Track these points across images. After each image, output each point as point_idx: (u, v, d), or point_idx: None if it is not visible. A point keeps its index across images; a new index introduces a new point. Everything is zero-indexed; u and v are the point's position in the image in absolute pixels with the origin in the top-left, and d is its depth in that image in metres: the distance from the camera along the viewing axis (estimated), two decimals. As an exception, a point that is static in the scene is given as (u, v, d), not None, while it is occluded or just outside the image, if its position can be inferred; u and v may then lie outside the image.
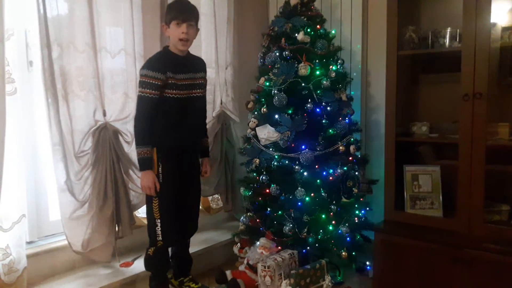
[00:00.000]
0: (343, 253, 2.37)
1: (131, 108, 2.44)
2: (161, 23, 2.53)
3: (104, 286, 2.19)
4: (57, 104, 2.17)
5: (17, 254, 2.06)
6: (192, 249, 2.41)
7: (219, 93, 2.96)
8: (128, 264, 2.41)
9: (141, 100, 2.11)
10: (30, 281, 2.14)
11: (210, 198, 3.08)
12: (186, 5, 2.18)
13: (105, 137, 2.32)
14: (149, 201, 2.22)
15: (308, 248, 2.46)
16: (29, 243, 2.25)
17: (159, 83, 2.10)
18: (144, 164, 2.14)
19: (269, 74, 2.51)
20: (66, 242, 2.24)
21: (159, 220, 2.18)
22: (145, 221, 2.32)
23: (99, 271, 2.33)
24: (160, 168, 2.17)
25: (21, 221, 2.08)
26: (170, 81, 2.13)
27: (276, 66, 2.46)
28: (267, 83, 2.50)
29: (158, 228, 2.18)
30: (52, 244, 2.30)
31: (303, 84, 2.43)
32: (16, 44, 2.13)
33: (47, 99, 2.15)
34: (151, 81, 2.09)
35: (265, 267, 2.14)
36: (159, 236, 2.19)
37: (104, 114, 2.34)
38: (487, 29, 2.09)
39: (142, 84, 2.10)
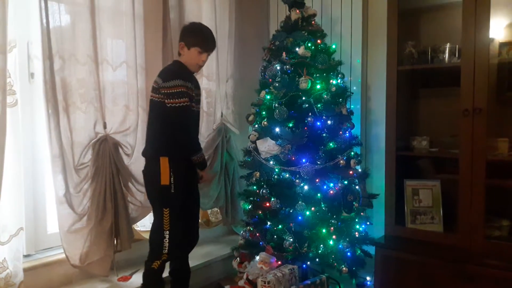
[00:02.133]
0: (344, 268, 2.34)
1: (132, 120, 2.44)
2: (163, 36, 2.55)
3: (101, 301, 2.16)
4: (57, 116, 2.17)
5: (14, 267, 2.03)
6: (191, 263, 2.37)
7: (219, 105, 2.97)
8: (126, 279, 2.38)
9: (179, 111, 2.07)
10: (27, 296, 2.11)
11: (209, 211, 3.06)
12: (211, 36, 2.28)
13: (105, 149, 2.31)
14: (159, 212, 2.13)
15: (308, 263, 2.43)
16: (26, 256, 2.22)
17: (190, 92, 2.12)
18: (204, 164, 2.29)
19: (270, 87, 2.52)
20: (63, 256, 2.22)
21: (167, 232, 2.11)
22: (144, 235, 2.30)
23: (96, 285, 2.30)
24: (172, 179, 2.11)
25: (18, 234, 2.06)
26: (191, 93, 2.15)
27: (277, 80, 2.47)
28: (268, 97, 2.51)
29: (166, 240, 2.11)
30: (50, 258, 2.27)
31: (303, 98, 2.44)
32: (18, 56, 2.14)
33: (47, 111, 2.14)
34: (184, 90, 2.08)
35: (265, 283, 2.11)
36: (165, 249, 2.12)
37: (105, 127, 2.34)
38: (486, 45, 2.12)
39: (176, 95, 2.06)
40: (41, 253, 2.29)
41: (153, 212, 2.21)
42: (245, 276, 2.35)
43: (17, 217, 2.06)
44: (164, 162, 2.09)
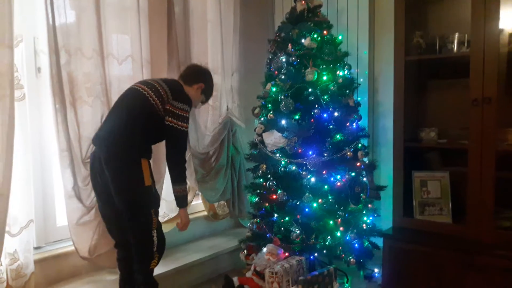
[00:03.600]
0: (351, 260, 2.34)
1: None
2: (168, 30, 2.53)
3: (111, 293, 2.18)
4: (64, 110, 2.18)
5: (24, 259, 2.06)
6: (198, 256, 2.40)
7: (225, 99, 2.96)
8: None
9: (182, 135, 2.09)
10: (37, 287, 2.14)
11: (216, 204, 3.07)
12: None
13: (112, 143, 2.31)
14: (145, 213, 2.02)
15: (315, 254, 2.43)
16: (36, 248, 2.24)
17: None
18: (184, 201, 2.15)
19: (276, 79, 2.50)
20: (73, 248, 2.24)
21: (155, 231, 2.04)
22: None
23: (105, 277, 2.32)
24: (151, 178, 2.05)
25: (29, 226, 2.08)
26: None
27: (282, 72, 2.46)
28: (274, 89, 2.50)
29: (155, 239, 2.04)
30: (59, 250, 2.30)
31: (310, 90, 2.42)
32: (25, 50, 2.15)
33: (54, 105, 2.16)
34: (188, 116, 2.12)
35: (272, 274, 2.12)
36: (155, 247, 2.04)
37: (111, 120, 2.34)
38: (496, 34, 2.08)
39: (182, 119, 2.07)
40: (51, 245, 2.31)
41: (133, 217, 2.00)
42: (252, 268, 2.36)
43: (27, 210, 2.08)
44: (145, 164, 2.01)
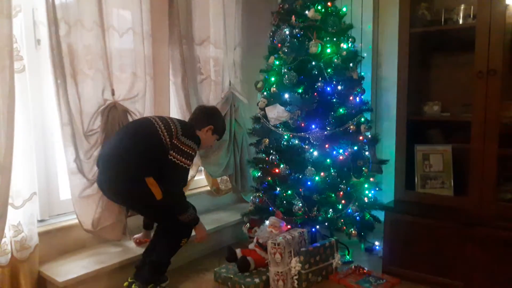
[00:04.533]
0: (353, 232, 2.36)
1: (140, 87, 2.43)
2: (169, 2, 2.46)
3: (115, 264, 2.20)
4: (65, 82, 2.15)
5: (29, 231, 2.07)
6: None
7: (227, 74, 2.93)
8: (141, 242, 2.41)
9: (183, 171, 2.12)
10: (42, 259, 2.16)
11: (219, 179, 3.08)
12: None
13: (114, 116, 2.31)
14: (169, 219, 2.17)
15: (317, 227, 2.46)
16: (40, 221, 2.26)
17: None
18: (195, 220, 2.23)
19: (279, 52, 2.48)
20: (76, 221, 2.25)
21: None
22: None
23: (110, 249, 2.34)
24: (161, 188, 2.09)
25: (32, 199, 2.08)
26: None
27: (286, 45, 2.43)
28: (277, 62, 2.48)
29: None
30: (64, 223, 2.31)
31: (313, 63, 2.40)
32: (24, 21, 2.11)
33: (55, 77, 2.13)
34: (193, 155, 2.14)
35: (275, 245, 2.14)
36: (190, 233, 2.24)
37: (113, 93, 2.32)
38: (502, 5, 2.05)
39: (188, 157, 2.10)
40: (55, 219, 2.33)
41: (158, 218, 2.23)
42: (255, 240, 2.38)
43: (30, 182, 2.08)
44: (151, 182, 2.06)
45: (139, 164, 2.05)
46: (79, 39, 2.20)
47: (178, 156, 2.08)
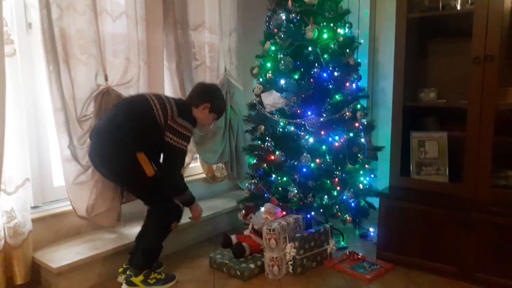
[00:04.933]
0: (347, 218, 2.37)
1: (133, 73, 2.40)
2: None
3: (110, 250, 2.20)
4: (58, 67, 2.12)
5: (22, 217, 2.06)
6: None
7: (222, 60, 2.90)
8: None
9: (180, 152, 2.09)
10: (36, 245, 2.15)
11: (214, 167, 3.07)
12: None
13: (107, 102, 2.28)
14: (159, 197, 2.15)
15: (312, 213, 2.46)
16: (34, 208, 2.24)
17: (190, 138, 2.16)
18: (191, 201, 2.24)
19: (275, 38, 2.44)
20: (70, 207, 2.24)
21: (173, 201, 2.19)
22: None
23: (104, 236, 2.34)
24: (154, 166, 2.07)
25: (25, 185, 2.07)
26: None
27: (282, 30, 2.40)
28: (273, 48, 2.45)
29: (181, 206, 2.21)
30: (57, 209, 2.29)
31: (310, 48, 2.37)
32: (14, 4, 2.06)
33: (47, 62, 2.09)
34: (190, 136, 2.11)
35: (270, 230, 2.14)
36: (181, 213, 2.21)
37: (106, 79, 2.29)
38: (501, -10, 2.02)
39: (184, 138, 2.07)
40: (48, 205, 2.31)
41: (148, 197, 2.18)
42: (250, 226, 2.38)
43: (22, 168, 2.06)
44: (142, 157, 2.03)
45: (130, 140, 2.03)
46: (71, 23, 2.15)
47: (175, 138, 2.05)
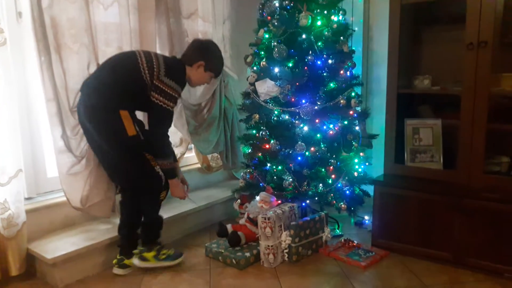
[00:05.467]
0: (342, 205, 2.38)
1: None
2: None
3: (105, 241, 2.19)
4: (49, 56, 2.09)
5: (16, 209, 2.05)
6: (192, 205, 2.41)
7: (216, 49, 2.87)
8: None
9: (166, 113, 2.05)
10: (31, 236, 2.14)
11: (209, 156, 3.06)
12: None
13: (100, 91, 2.25)
14: (138, 158, 2.08)
15: (307, 201, 2.46)
16: (28, 199, 2.23)
17: (178, 100, 2.11)
18: (172, 173, 2.16)
19: (269, 25, 2.42)
20: (65, 198, 2.23)
21: (158, 168, 2.12)
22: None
23: (99, 226, 2.33)
24: (136, 127, 2.05)
25: (18, 176, 2.06)
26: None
27: (275, 17, 2.38)
28: (267, 35, 2.43)
29: (161, 174, 2.13)
30: (52, 200, 2.28)
31: (303, 35, 2.35)
32: (3, -7, 2.03)
33: (38, 51, 2.07)
34: (177, 96, 2.07)
35: (265, 219, 2.14)
36: (163, 182, 2.15)
37: (98, 68, 2.27)
38: (495, -26, 2.01)
39: (171, 98, 2.03)
40: (42, 196, 2.30)
41: (128, 161, 2.08)
42: (246, 215, 2.39)
43: (15, 159, 2.05)
44: (125, 114, 2.00)
45: (114, 95, 1.99)
46: (62, 12, 2.12)
47: (160, 98, 2.00)
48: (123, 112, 2.00)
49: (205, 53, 2.19)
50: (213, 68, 2.21)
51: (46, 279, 2.08)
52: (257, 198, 2.39)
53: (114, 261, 2.18)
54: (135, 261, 2.14)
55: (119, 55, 2.14)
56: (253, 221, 2.32)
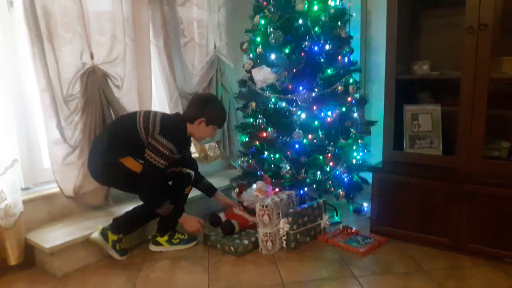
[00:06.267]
0: (341, 192, 2.36)
1: (119, 50, 2.35)
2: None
3: (103, 230, 2.19)
4: (42, 46, 2.07)
5: (12, 199, 2.04)
6: (190, 194, 2.40)
7: (212, 36, 2.83)
8: None
9: (156, 170, 2.08)
10: (29, 226, 2.14)
11: (207, 146, 3.04)
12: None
13: (93, 81, 2.24)
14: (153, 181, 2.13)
15: (305, 189, 2.45)
16: (24, 189, 2.23)
17: (172, 156, 2.12)
18: (177, 214, 2.22)
19: (265, 11, 2.38)
20: (61, 188, 2.22)
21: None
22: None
23: (96, 216, 2.32)
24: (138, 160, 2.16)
25: (13, 166, 2.04)
26: (172, 157, 2.15)
27: (271, 3, 2.34)
28: (262, 21, 2.39)
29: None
30: (49, 190, 2.28)
31: (300, 21, 2.31)
32: (-7, -19, 2.00)
33: (30, 41, 2.04)
34: (169, 154, 2.08)
35: (263, 206, 2.13)
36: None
37: (92, 57, 2.24)
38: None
39: (162, 156, 2.06)
40: (39, 186, 2.30)
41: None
42: (241, 203, 2.38)
43: (11, 149, 2.04)
44: (126, 159, 2.12)
45: (110, 152, 2.11)
46: (54, 0, 2.09)
47: (152, 154, 2.07)
48: (125, 159, 2.12)
49: (204, 109, 2.20)
50: (214, 121, 2.24)
51: (45, 268, 2.08)
52: (254, 186, 2.37)
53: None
54: (150, 245, 2.27)
55: (122, 116, 2.27)
56: (247, 209, 2.31)
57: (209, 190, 2.51)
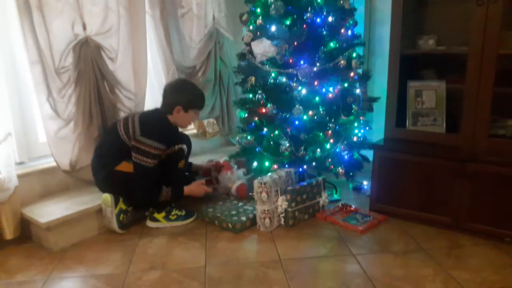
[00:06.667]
0: (340, 170, 2.32)
1: (113, 21, 2.26)
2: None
3: (98, 205, 2.16)
4: (31, 16, 1.98)
5: (7, 173, 2.01)
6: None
7: (210, 7, 2.73)
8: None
9: (145, 170, 2.06)
10: (25, 201, 2.13)
11: (205, 122, 2.98)
12: (203, 93, 2.30)
13: (86, 52, 2.17)
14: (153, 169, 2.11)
15: (304, 167, 2.41)
16: (19, 164, 2.20)
17: (161, 153, 2.09)
18: (178, 193, 2.20)
19: (265, -20, 2.27)
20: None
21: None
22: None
23: (92, 191, 2.30)
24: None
25: (7, 140, 2.00)
26: (162, 154, 2.11)
27: (272, -29, 2.22)
28: (263, -9, 2.28)
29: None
30: (44, 165, 2.25)
31: (302, -9, 2.21)
32: None
33: (19, 10, 1.96)
34: (156, 152, 2.06)
35: (261, 184, 2.10)
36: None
37: (84, 28, 2.16)
38: None
39: (149, 155, 2.04)
40: (35, 161, 2.27)
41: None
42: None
43: (3, 123, 1.99)
44: (122, 165, 2.10)
45: (106, 161, 2.12)
46: (43, -34, 1.99)
47: (139, 156, 2.05)
48: (121, 164, 2.10)
49: (177, 96, 2.17)
50: (192, 105, 2.21)
51: (41, 243, 2.07)
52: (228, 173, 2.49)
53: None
54: (147, 221, 2.25)
55: (105, 130, 2.28)
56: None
57: (189, 168, 2.52)
